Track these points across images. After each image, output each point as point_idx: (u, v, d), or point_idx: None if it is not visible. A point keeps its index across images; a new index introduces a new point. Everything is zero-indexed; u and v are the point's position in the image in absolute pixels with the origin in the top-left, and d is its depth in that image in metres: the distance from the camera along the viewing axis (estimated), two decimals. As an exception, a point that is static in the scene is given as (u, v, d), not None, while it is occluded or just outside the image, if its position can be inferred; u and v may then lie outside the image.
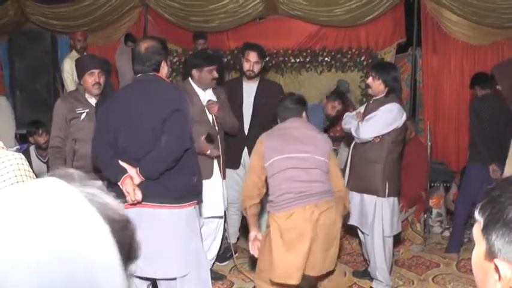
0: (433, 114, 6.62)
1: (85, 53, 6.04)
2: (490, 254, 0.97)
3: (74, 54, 6.00)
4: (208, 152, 3.78)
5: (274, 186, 3.17)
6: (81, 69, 3.58)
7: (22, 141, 5.90)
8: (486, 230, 0.98)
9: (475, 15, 6.09)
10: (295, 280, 3.11)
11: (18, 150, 4.88)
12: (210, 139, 3.77)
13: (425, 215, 5.30)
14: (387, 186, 3.76)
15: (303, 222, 3.06)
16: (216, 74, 3.94)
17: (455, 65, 6.58)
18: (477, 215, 1.02)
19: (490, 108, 4.68)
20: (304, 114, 3.40)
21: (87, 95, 3.59)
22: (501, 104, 4.64)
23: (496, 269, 0.96)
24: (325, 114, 4.92)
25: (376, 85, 3.82)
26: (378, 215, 3.80)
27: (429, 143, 5.83)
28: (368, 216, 3.84)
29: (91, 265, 0.57)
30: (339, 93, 5.24)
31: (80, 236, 0.58)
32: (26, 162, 2.03)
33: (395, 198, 3.88)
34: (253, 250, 3.30)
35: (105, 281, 0.58)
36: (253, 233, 3.29)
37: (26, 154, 4.84)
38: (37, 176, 4.69)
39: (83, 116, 3.52)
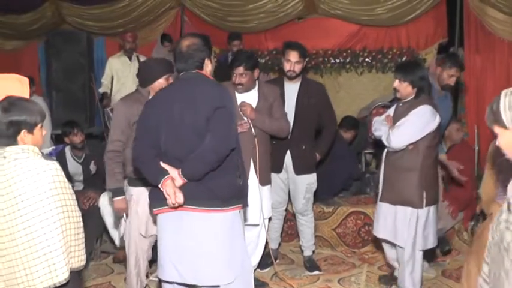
0: (475, 117, 6.34)
1: (134, 53, 6.17)
2: None
3: (121, 54, 6.21)
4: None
5: None
6: (157, 72, 3.37)
7: (58, 142, 5.89)
8: None
9: (523, 13, 5.83)
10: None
11: (53, 151, 4.87)
12: None
13: (472, 223, 5.04)
14: (425, 195, 3.54)
15: None
16: (237, 80, 3.79)
17: (500, 66, 6.35)
18: None
19: None
20: None
21: None
22: None
23: None
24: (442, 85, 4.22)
25: (404, 87, 3.59)
26: (412, 227, 3.58)
27: (476, 147, 5.59)
28: (403, 229, 3.61)
29: None
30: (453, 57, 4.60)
31: None
32: (61, 173, 2.12)
33: (433, 207, 3.64)
34: None
35: None
36: None
37: (62, 154, 4.80)
38: (71, 176, 4.65)
39: None
